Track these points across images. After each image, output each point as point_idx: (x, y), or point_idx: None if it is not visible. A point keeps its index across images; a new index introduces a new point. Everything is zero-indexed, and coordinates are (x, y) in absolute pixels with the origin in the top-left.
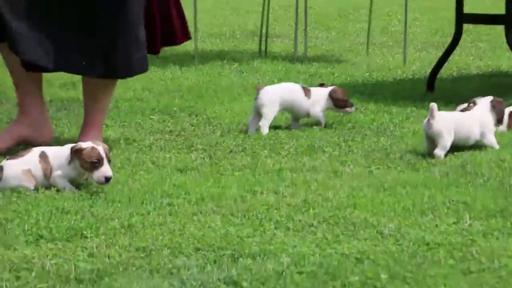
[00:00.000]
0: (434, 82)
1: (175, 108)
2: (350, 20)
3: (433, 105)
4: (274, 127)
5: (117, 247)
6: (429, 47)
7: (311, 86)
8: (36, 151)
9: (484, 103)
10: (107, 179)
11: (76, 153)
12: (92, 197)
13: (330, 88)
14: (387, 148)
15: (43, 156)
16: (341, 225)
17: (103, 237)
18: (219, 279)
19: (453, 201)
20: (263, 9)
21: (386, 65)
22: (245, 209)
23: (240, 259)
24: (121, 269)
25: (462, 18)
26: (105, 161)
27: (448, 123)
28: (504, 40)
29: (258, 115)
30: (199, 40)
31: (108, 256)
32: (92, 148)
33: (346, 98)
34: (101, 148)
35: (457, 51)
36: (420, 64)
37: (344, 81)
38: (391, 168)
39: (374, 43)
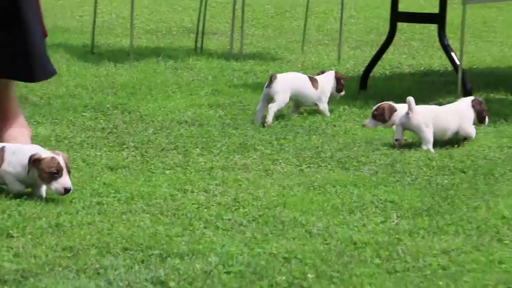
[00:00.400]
0: (367, 81)
1: (108, 105)
2: (287, 17)
3: (410, 98)
4: (207, 125)
5: (43, 247)
6: (363, 46)
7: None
8: None
9: (466, 101)
10: (67, 191)
11: (34, 163)
12: (20, 195)
13: (332, 72)
14: (319, 147)
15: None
16: (270, 224)
17: (29, 236)
18: (146, 279)
19: (381, 200)
20: (200, 6)
21: (321, 63)
22: (175, 208)
23: (168, 258)
24: (47, 269)
25: (396, 16)
26: (65, 172)
27: (427, 116)
28: (437, 39)
29: (266, 104)
30: (135, 36)
31: (34, 256)
32: (52, 158)
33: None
34: (61, 158)
35: (390, 49)
36: (354, 62)
37: None
38: (321, 167)
39: (310, 41)
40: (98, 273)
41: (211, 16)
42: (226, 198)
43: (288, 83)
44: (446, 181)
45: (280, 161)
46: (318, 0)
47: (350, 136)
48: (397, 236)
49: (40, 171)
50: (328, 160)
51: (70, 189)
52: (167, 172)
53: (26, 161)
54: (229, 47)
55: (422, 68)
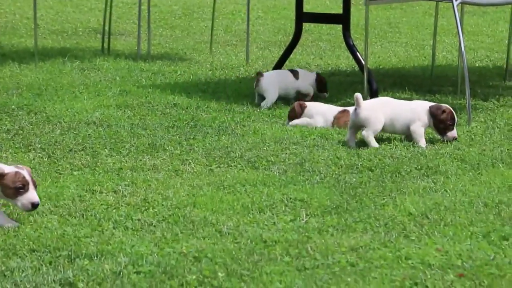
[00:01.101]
0: None
1: (13, 106)
2: (194, 18)
3: (358, 94)
4: (116, 125)
5: None
6: (271, 46)
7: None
8: None
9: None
10: (34, 206)
11: None
12: None
13: (314, 73)
14: (228, 147)
15: None
16: (181, 224)
17: None
18: (54, 281)
19: (290, 198)
20: (106, 6)
21: (229, 64)
22: (83, 209)
23: (77, 259)
24: None
25: (301, 17)
26: (31, 186)
27: (376, 109)
28: (343, 40)
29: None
30: (40, 37)
31: None
32: (16, 172)
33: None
34: (25, 172)
35: (298, 50)
36: (262, 63)
37: (187, 79)
38: (231, 166)
39: (218, 41)
40: (5, 275)
41: (118, 17)
42: (135, 198)
43: (274, 80)
44: (354, 179)
45: (190, 161)
46: (225, 1)
47: (259, 136)
48: (306, 234)
49: (3, 187)
50: (238, 159)
51: (38, 204)
52: (75, 173)
53: None
54: (136, 48)
55: (329, 68)
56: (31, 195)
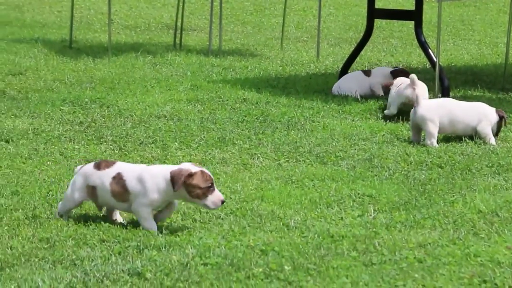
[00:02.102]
0: None
1: (86, 100)
2: (266, 14)
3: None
4: (186, 119)
5: (20, 238)
6: (342, 43)
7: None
8: None
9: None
10: (223, 202)
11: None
12: None
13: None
14: (297, 142)
15: None
16: (248, 217)
17: (6, 227)
18: (123, 270)
19: (359, 194)
20: (179, 2)
21: (300, 60)
22: None
23: (145, 250)
24: (23, 260)
25: (373, 13)
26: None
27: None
28: (415, 37)
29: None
30: (114, 32)
31: (11, 247)
32: (202, 171)
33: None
34: (205, 170)
35: (369, 47)
36: (333, 59)
37: (257, 74)
38: (300, 161)
39: (289, 37)
40: (75, 264)
41: (190, 13)
42: None
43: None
44: (424, 176)
45: (259, 155)
46: None
47: (328, 132)
48: (374, 229)
49: (192, 187)
50: (307, 154)
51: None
52: None
53: None
54: (208, 43)
55: (400, 66)
56: (218, 192)
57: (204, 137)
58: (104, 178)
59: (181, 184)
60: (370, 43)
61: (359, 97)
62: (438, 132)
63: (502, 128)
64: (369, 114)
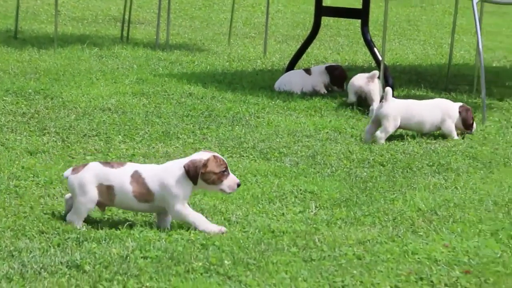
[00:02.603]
0: None
1: (30, 91)
2: (214, 10)
3: (388, 88)
4: (131, 112)
5: None
6: (290, 40)
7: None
8: None
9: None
10: (239, 185)
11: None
12: None
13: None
14: (241, 137)
15: None
16: None
17: None
18: (61, 262)
19: (301, 190)
20: None
21: (247, 56)
22: None
23: (85, 243)
24: None
25: (320, 11)
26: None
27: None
28: (361, 35)
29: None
30: (60, 23)
31: None
32: (215, 156)
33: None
34: (217, 154)
35: (316, 44)
36: (280, 56)
37: (204, 69)
38: (243, 156)
39: (237, 33)
40: (13, 255)
41: (138, 6)
42: None
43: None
44: (365, 173)
45: (202, 150)
46: None
47: (273, 128)
48: (314, 225)
49: (207, 174)
50: (250, 150)
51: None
52: (88, 158)
53: None
54: (155, 37)
55: (346, 63)
56: (233, 176)
57: (149, 130)
58: (123, 177)
59: (198, 176)
60: (317, 40)
61: (299, 92)
62: (404, 129)
63: (472, 122)
64: (314, 111)
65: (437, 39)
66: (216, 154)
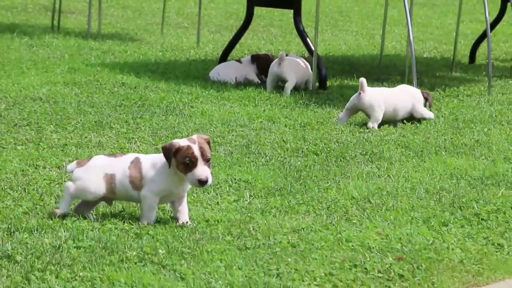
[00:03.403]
0: None
1: None
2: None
3: (362, 79)
4: (63, 102)
5: None
6: (223, 30)
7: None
8: None
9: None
10: (201, 183)
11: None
12: None
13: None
14: (175, 127)
15: None
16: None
17: None
18: None
19: (235, 179)
20: None
21: (180, 46)
22: (26, 183)
23: (16, 233)
24: None
25: (253, 0)
26: (200, 161)
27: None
28: (294, 26)
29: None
30: None
31: None
32: (188, 147)
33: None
34: (196, 146)
35: (249, 34)
36: (213, 46)
37: (136, 59)
38: None
39: (170, 23)
40: None
41: None
42: None
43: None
44: (299, 162)
45: (136, 139)
46: None
47: (207, 117)
48: (249, 214)
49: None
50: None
51: (205, 182)
52: (19, 147)
53: None
54: (87, 26)
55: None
56: (201, 170)
57: (81, 120)
58: (124, 164)
59: (170, 159)
60: (250, 31)
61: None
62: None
63: (429, 109)
64: (248, 101)
65: (369, 30)
66: (192, 145)
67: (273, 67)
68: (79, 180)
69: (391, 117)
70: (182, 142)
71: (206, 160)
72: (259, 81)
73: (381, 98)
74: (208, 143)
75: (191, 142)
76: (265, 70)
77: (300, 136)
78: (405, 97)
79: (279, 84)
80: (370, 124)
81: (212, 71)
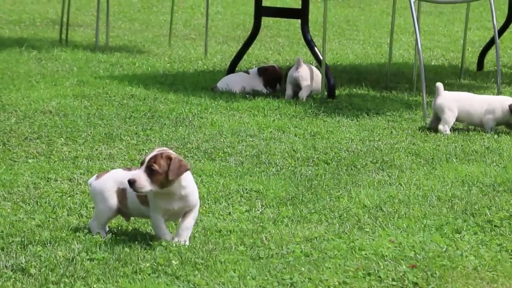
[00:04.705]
0: None
1: None
2: (153, 12)
3: (439, 84)
4: (72, 115)
5: None
6: (230, 41)
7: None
8: None
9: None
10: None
11: None
12: None
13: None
14: (185, 138)
15: None
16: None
17: None
18: (6, 266)
19: (246, 189)
20: None
21: (188, 57)
22: (38, 196)
23: (30, 246)
24: None
25: (260, 11)
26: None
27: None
28: (302, 35)
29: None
30: None
31: None
32: None
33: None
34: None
35: (257, 45)
36: (221, 57)
37: (145, 71)
38: (188, 157)
39: (177, 35)
40: None
41: (77, 9)
42: None
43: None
44: (310, 171)
45: (146, 151)
46: None
47: (217, 128)
48: (261, 224)
49: None
50: (195, 150)
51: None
52: (30, 161)
53: None
54: (94, 39)
55: (287, 64)
56: (134, 171)
57: (91, 132)
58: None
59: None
60: (258, 41)
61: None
62: (458, 121)
63: None
64: (257, 111)
65: (376, 39)
66: (158, 154)
67: (292, 72)
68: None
69: (468, 122)
70: (157, 147)
71: (148, 168)
72: (268, 92)
73: (454, 102)
74: (169, 158)
75: (157, 150)
76: (271, 82)
77: (310, 145)
78: (481, 104)
79: (296, 89)
80: (440, 127)
81: (220, 82)
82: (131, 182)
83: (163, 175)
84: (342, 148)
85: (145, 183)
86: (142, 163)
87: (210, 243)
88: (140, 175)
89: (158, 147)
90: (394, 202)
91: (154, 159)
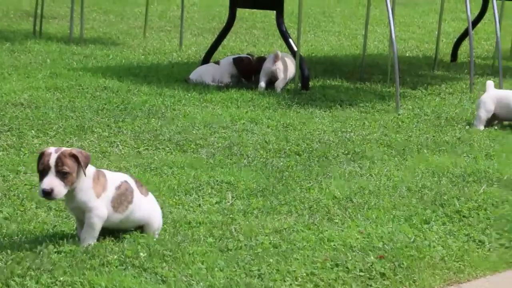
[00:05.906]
0: None
1: None
2: (129, 3)
3: (489, 81)
4: (44, 107)
5: None
6: (205, 32)
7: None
8: None
9: None
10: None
11: None
12: None
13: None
14: (157, 130)
15: None
16: None
17: None
18: None
19: (217, 181)
20: None
21: (163, 49)
22: (6, 188)
23: None
24: None
25: (235, 2)
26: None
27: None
28: (277, 27)
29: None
30: None
31: None
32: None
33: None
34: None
35: (232, 37)
36: (195, 49)
37: (119, 63)
38: (159, 149)
39: (152, 27)
40: None
41: (51, 1)
42: None
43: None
44: (282, 163)
45: (118, 143)
46: None
47: (189, 120)
48: (231, 216)
49: None
50: (166, 142)
51: (44, 192)
52: (0, 153)
53: None
54: (69, 31)
55: (262, 55)
56: (47, 181)
57: (63, 125)
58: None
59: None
60: (233, 33)
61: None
62: (498, 120)
63: None
64: (230, 102)
65: (352, 31)
66: (59, 154)
67: (268, 64)
68: None
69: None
70: (48, 149)
71: (60, 173)
72: (230, 82)
73: (490, 100)
74: (74, 157)
75: (54, 151)
76: (246, 72)
77: (282, 137)
78: None
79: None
80: (474, 122)
81: (193, 73)
82: (49, 192)
83: (73, 174)
84: (314, 139)
85: (61, 188)
86: (44, 170)
87: (179, 235)
88: (54, 183)
89: (41, 150)
90: (364, 193)
91: (61, 162)
